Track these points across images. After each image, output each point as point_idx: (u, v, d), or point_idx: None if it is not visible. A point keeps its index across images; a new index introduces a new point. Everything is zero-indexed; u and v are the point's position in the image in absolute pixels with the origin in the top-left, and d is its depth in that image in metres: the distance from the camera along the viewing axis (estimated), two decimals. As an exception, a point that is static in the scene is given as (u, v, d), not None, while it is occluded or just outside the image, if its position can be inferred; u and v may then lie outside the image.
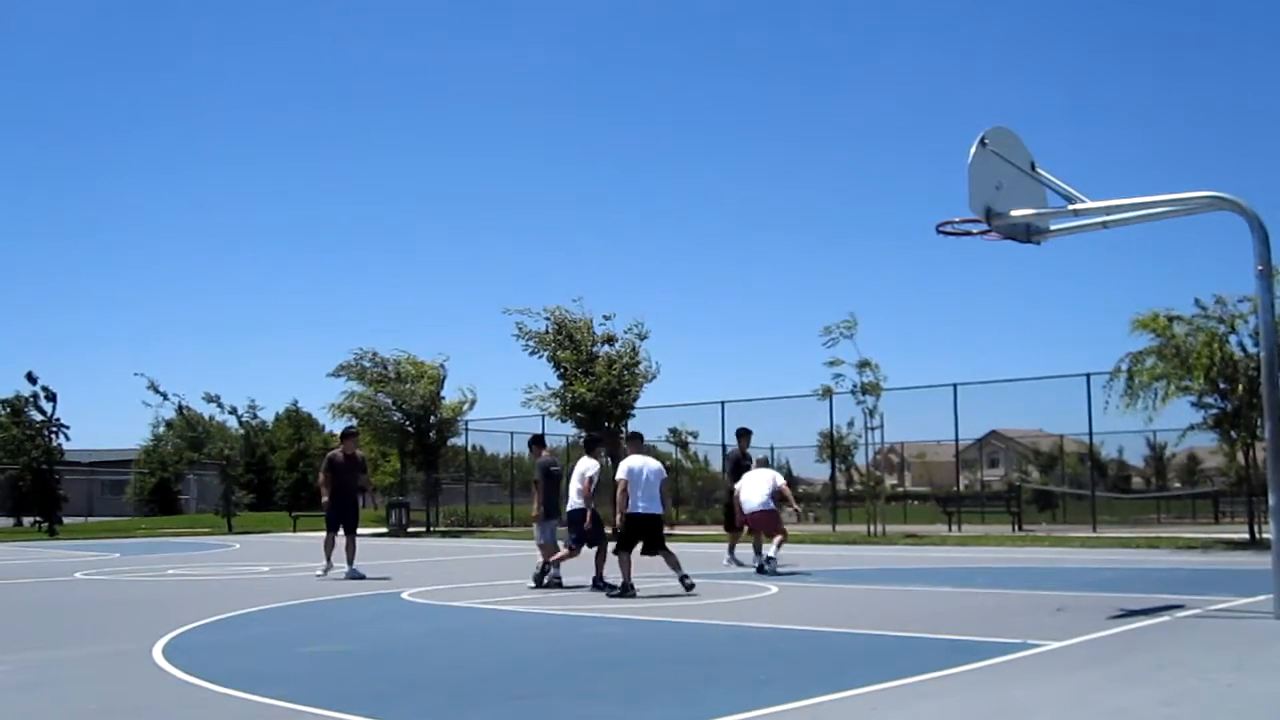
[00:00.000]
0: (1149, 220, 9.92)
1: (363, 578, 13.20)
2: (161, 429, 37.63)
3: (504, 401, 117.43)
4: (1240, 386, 17.29)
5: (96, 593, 12.75)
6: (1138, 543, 19.17)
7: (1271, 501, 8.34)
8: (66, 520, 34.51)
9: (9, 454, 34.43)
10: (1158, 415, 18.17)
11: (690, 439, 34.74)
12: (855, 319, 22.71)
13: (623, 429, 27.77)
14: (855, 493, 32.29)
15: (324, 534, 13.97)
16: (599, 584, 11.53)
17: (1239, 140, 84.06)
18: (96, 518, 42.67)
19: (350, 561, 13.49)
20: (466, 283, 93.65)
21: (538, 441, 13.06)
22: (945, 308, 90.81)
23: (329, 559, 13.65)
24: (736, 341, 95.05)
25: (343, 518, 13.67)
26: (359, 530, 14.10)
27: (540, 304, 28.41)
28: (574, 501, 11.91)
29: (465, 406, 32.19)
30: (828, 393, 24.02)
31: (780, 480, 14.29)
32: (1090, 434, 25.66)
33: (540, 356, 27.02)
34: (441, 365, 31.91)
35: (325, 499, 13.77)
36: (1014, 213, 9.30)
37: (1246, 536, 18.81)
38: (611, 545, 11.35)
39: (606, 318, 27.11)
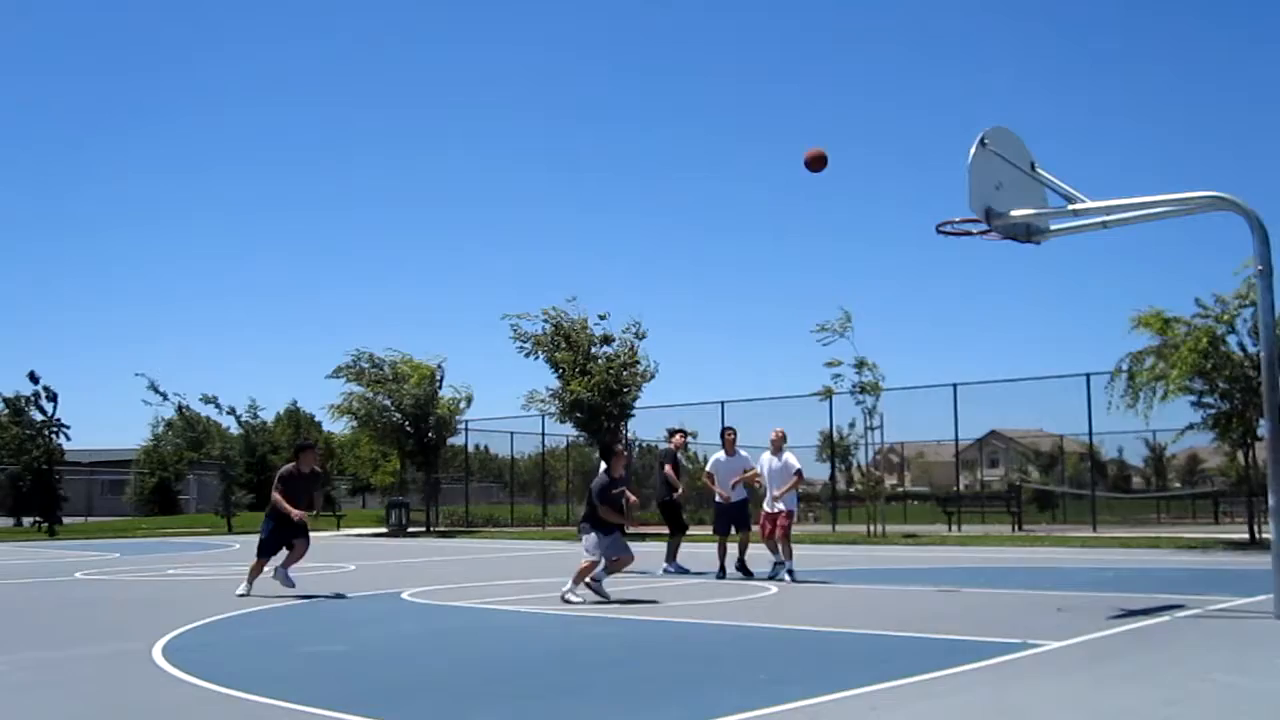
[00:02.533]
0: (1149, 220, 9.92)
1: (292, 585, 11.46)
2: (161, 429, 37.65)
3: (504, 402, 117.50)
4: (1236, 385, 17.30)
5: (96, 593, 12.74)
6: (1138, 543, 19.18)
7: (1271, 501, 8.34)
8: (66, 520, 34.51)
9: (9, 454, 34.43)
10: (1156, 414, 18.22)
11: (690, 439, 34.75)
12: (849, 315, 22.71)
13: (622, 429, 27.85)
14: (855, 493, 32.33)
15: (257, 559, 11.65)
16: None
17: (1239, 140, 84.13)
18: (96, 518, 42.65)
19: (289, 565, 11.66)
20: (467, 283, 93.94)
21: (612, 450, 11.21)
22: (945, 308, 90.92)
23: (252, 583, 11.46)
24: (736, 341, 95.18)
25: (294, 535, 11.72)
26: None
27: (540, 305, 28.52)
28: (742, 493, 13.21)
29: (461, 404, 32.21)
30: (828, 393, 24.02)
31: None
32: (1090, 434, 25.68)
33: (536, 358, 27.06)
34: (439, 365, 31.95)
35: (270, 526, 11.67)
36: (1014, 213, 9.30)
37: (1246, 536, 18.82)
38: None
39: (602, 317, 27.17)
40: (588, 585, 10.27)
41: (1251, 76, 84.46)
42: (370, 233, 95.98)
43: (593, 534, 10.29)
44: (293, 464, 12.06)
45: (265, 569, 11.52)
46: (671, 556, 13.88)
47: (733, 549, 13.14)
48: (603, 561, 10.31)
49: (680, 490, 14.52)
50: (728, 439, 13.42)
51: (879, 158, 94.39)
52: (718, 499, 13.21)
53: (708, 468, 13.72)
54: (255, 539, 12.12)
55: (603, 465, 10.96)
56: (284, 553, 11.66)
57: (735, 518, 13.13)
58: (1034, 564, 15.05)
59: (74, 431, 35.18)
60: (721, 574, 12.85)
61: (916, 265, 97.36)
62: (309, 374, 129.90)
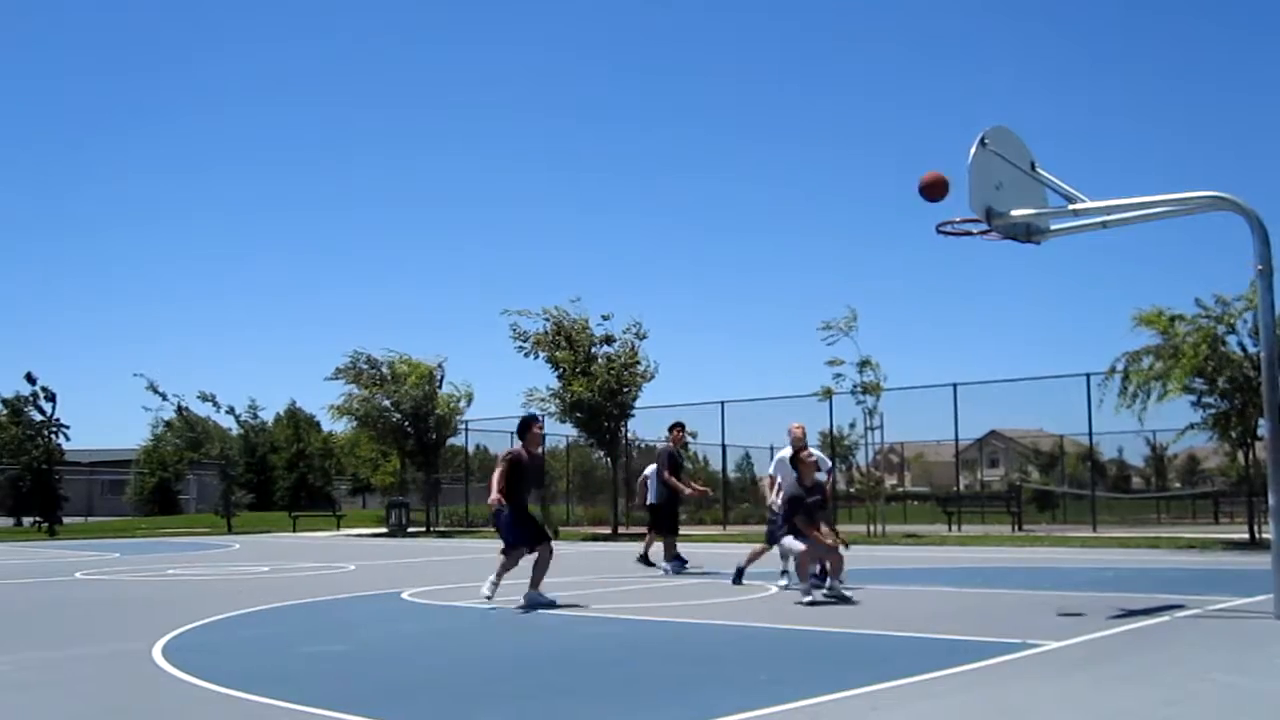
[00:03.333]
0: (1149, 220, 9.91)
1: (553, 603, 9.73)
2: (161, 429, 37.71)
3: (504, 401, 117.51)
4: (1236, 385, 17.30)
5: (96, 593, 12.74)
6: (1138, 543, 19.18)
7: (1271, 501, 8.33)
8: (66, 520, 34.54)
9: (9, 454, 34.47)
10: (1155, 414, 18.21)
11: (690, 439, 34.75)
12: (855, 314, 22.70)
13: (622, 429, 27.86)
14: (855, 493, 32.32)
15: (500, 552, 10.24)
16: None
17: (1239, 140, 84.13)
18: (96, 518, 42.67)
19: (538, 582, 9.85)
20: (466, 283, 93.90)
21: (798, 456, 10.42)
22: (945, 308, 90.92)
23: (498, 584, 9.94)
24: (736, 341, 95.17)
25: (537, 537, 10.05)
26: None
27: (540, 304, 28.45)
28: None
29: (461, 403, 32.21)
30: (828, 394, 24.00)
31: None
32: (1090, 434, 25.67)
33: (536, 358, 27.05)
34: (439, 365, 31.95)
35: (507, 508, 9.80)
36: (1014, 213, 9.30)
37: (1246, 536, 18.81)
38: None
39: (605, 318, 27.16)
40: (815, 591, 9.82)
41: (1251, 76, 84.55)
42: (370, 233, 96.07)
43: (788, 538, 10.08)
44: (519, 446, 10.12)
45: (518, 562, 9.94)
46: (670, 555, 13.86)
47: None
48: (792, 561, 10.11)
49: (688, 491, 14.44)
50: (797, 435, 11.86)
51: (879, 158, 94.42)
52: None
53: (770, 469, 12.42)
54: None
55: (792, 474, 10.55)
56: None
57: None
58: (1034, 564, 15.05)
59: (74, 431, 35.40)
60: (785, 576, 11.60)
61: (916, 265, 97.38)
62: (308, 374, 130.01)
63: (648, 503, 14.71)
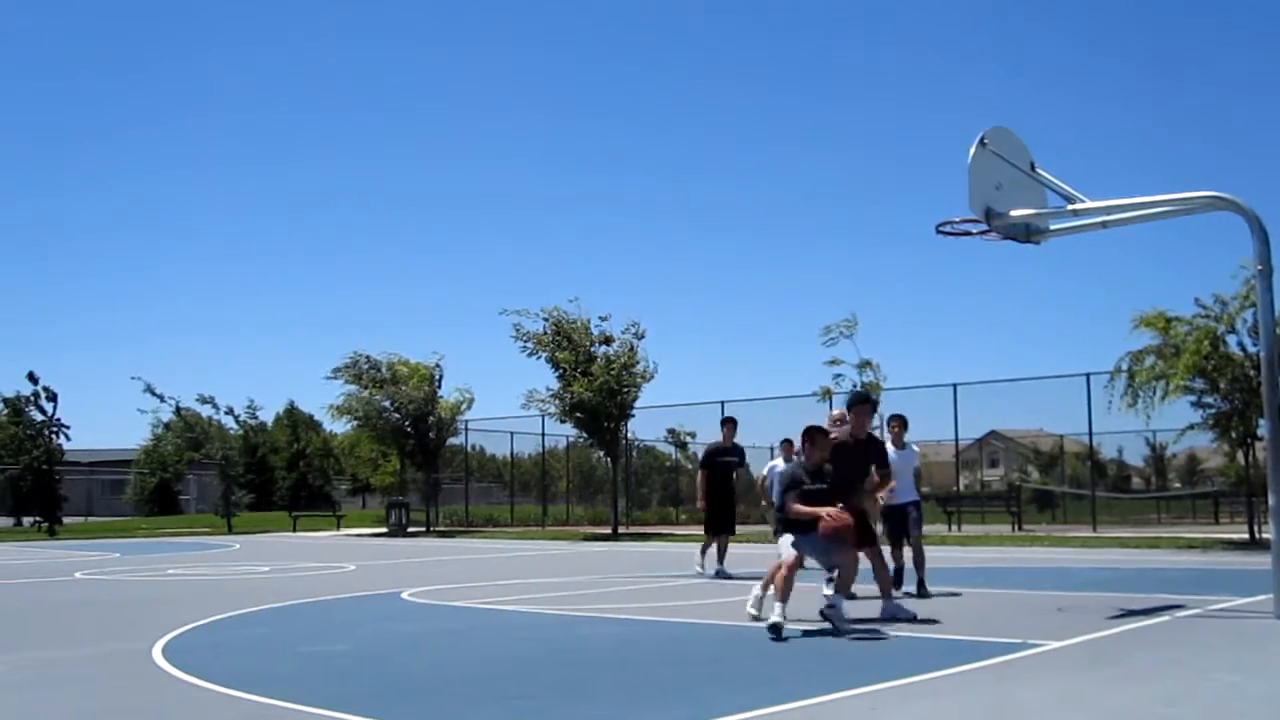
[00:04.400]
0: (1149, 220, 9.92)
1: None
2: (160, 429, 37.75)
3: (503, 402, 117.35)
4: (1236, 385, 17.30)
5: (96, 593, 12.74)
6: (1138, 543, 19.17)
7: (1271, 501, 8.34)
8: (66, 520, 34.55)
9: (9, 454, 34.50)
10: (1156, 414, 18.22)
11: (689, 439, 34.81)
12: (855, 319, 22.78)
13: (622, 429, 27.86)
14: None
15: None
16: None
17: (1239, 140, 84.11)
18: (96, 518, 42.69)
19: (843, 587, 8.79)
20: (465, 283, 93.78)
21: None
22: (945, 308, 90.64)
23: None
24: (736, 341, 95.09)
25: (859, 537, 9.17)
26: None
27: (539, 305, 28.41)
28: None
29: (463, 407, 32.26)
30: (828, 394, 24.04)
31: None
32: (1090, 434, 25.68)
33: (538, 358, 27.04)
34: (437, 365, 31.98)
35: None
36: (1014, 213, 9.30)
37: (1246, 536, 18.81)
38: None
39: (603, 318, 27.15)
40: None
41: (1251, 76, 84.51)
42: (370, 233, 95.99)
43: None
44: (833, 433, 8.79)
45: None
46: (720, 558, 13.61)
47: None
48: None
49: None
50: (895, 430, 10.94)
51: (879, 158, 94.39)
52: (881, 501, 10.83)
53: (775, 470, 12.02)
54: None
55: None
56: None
57: (901, 523, 11.20)
58: (1034, 564, 15.05)
59: (74, 431, 35.34)
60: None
61: (916, 265, 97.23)
62: (306, 374, 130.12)
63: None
